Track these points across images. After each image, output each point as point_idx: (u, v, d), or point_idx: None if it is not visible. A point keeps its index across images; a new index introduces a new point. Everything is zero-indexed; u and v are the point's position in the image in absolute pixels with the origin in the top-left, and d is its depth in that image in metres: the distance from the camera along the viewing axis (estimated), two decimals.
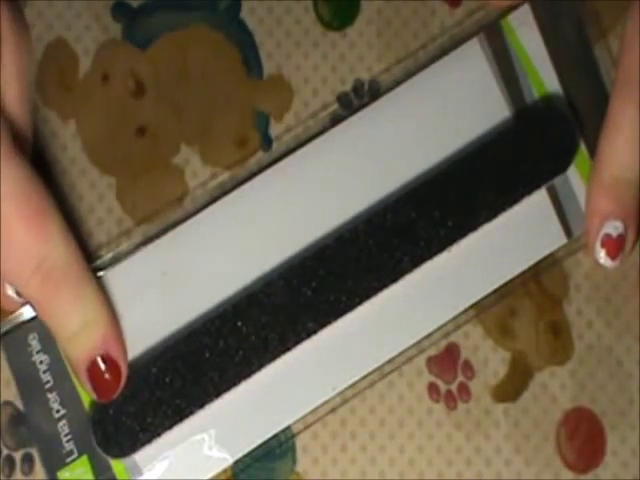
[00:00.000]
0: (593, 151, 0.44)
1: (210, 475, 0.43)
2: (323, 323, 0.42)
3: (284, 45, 0.46)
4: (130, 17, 0.46)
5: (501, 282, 0.44)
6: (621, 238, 0.43)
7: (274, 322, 0.42)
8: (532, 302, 0.46)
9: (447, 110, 0.45)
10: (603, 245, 0.43)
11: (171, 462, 0.42)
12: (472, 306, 0.44)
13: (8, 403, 0.44)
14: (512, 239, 0.44)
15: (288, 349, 0.42)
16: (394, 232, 0.43)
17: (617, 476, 0.45)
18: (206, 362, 0.42)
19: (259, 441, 0.43)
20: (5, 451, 0.44)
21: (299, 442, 0.44)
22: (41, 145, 0.45)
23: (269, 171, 0.44)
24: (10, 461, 0.43)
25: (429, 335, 0.44)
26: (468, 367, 0.45)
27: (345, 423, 0.45)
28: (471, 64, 0.45)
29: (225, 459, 0.43)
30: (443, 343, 0.45)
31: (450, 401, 0.45)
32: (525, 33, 0.45)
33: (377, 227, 0.43)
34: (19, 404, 0.43)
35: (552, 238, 0.45)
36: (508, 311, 0.46)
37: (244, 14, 0.46)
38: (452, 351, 0.46)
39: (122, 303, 0.43)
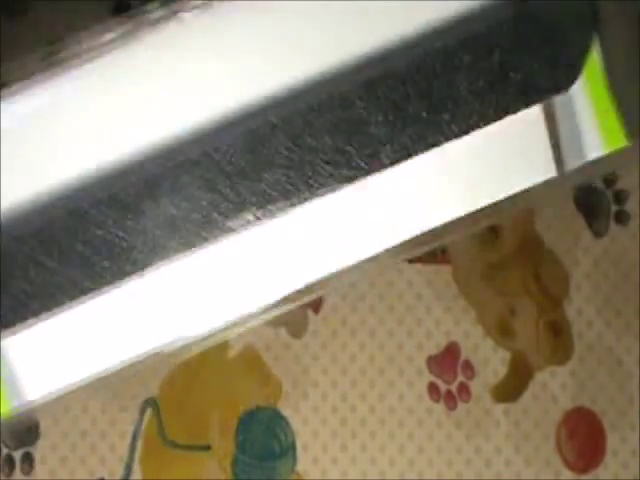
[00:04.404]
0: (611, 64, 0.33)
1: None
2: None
3: None
4: None
5: (478, 206, 0.34)
6: None
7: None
8: (532, 301, 0.46)
9: None
10: None
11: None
12: (446, 230, 0.36)
13: None
14: (492, 160, 0.34)
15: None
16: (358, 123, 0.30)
17: (617, 476, 0.45)
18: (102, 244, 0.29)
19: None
20: (5, 450, 0.43)
21: (299, 442, 0.44)
22: None
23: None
24: (10, 460, 0.43)
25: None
26: (468, 367, 0.45)
27: (345, 423, 0.45)
28: None
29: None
30: (443, 343, 0.45)
31: (450, 401, 0.45)
32: None
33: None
34: None
35: (539, 167, 0.35)
36: (508, 310, 0.46)
37: None
38: (452, 351, 0.45)
39: None
